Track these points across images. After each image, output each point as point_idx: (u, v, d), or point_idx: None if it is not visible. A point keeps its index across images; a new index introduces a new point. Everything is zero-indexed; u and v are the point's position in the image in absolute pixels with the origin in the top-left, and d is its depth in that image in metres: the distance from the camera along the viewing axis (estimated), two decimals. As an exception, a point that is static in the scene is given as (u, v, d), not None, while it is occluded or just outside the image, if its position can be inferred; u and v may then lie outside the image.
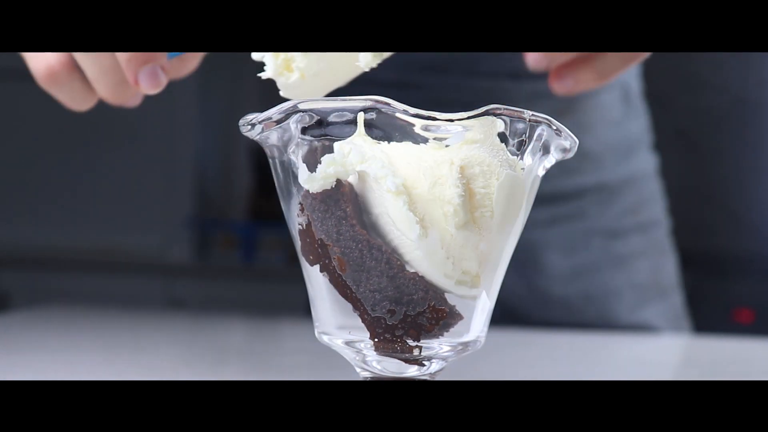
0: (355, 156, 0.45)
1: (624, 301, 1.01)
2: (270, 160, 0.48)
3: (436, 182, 0.44)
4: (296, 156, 0.47)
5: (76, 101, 0.61)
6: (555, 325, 0.99)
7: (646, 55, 0.61)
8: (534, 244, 0.98)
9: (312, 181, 0.45)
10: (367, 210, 0.45)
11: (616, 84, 0.99)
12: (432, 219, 0.45)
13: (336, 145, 0.46)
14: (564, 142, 0.47)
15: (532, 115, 0.46)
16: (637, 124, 1.04)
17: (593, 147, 0.99)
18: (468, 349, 0.48)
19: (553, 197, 1.00)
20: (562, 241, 1.00)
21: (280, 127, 0.46)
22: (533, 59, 0.62)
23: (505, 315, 1.00)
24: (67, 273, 2.58)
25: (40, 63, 0.59)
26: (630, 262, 1.02)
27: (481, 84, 0.92)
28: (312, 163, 0.46)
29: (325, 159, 0.45)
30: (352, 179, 0.45)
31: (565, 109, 0.95)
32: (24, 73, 0.66)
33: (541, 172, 0.48)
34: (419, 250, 0.45)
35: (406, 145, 0.45)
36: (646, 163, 1.06)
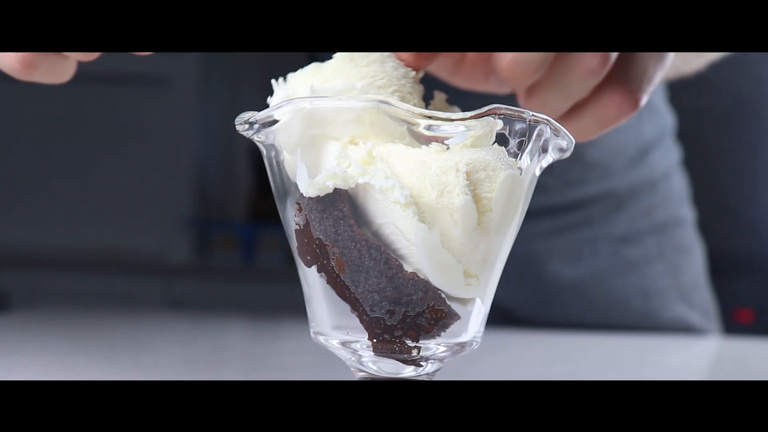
0: (356, 169, 0.45)
1: (631, 309, 0.99)
2: (266, 160, 0.48)
3: (444, 191, 0.44)
4: (294, 156, 0.46)
5: (57, 73, 0.56)
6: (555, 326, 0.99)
7: (622, 121, 0.57)
8: (537, 255, 0.96)
9: (310, 188, 0.45)
10: (368, 220, 0.45)
11: None
12: (440, 227, 0.45)
13: (333, 158, 0.45)
14: (561, 142, 0.47)
15: (533, 115, 0.46)
16: (652, 125, 1.00)
17: (597, 155, 0.96)
18: (465, 349, 0.48)
19: (555, 208, 0.97)
20: (565, 250, 0.97)
21: (278, 125, 0.46)
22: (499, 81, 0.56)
23: (504, 323, 0.99)
24: (67, 273, 2.58)
25: (9, 58, 0.54)
26: (642, 267, 0.99)
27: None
28: (310, 164, 0.46)
29: (325, 172, 0.45)
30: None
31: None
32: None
33: (538, 172, 0.48)
34: (428, 258, 0.44)
35: (406, 149, 0.45)
36: (663, 162, 1.01)
